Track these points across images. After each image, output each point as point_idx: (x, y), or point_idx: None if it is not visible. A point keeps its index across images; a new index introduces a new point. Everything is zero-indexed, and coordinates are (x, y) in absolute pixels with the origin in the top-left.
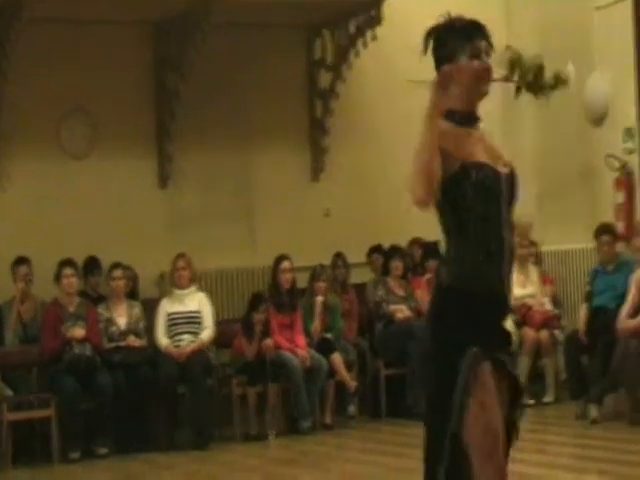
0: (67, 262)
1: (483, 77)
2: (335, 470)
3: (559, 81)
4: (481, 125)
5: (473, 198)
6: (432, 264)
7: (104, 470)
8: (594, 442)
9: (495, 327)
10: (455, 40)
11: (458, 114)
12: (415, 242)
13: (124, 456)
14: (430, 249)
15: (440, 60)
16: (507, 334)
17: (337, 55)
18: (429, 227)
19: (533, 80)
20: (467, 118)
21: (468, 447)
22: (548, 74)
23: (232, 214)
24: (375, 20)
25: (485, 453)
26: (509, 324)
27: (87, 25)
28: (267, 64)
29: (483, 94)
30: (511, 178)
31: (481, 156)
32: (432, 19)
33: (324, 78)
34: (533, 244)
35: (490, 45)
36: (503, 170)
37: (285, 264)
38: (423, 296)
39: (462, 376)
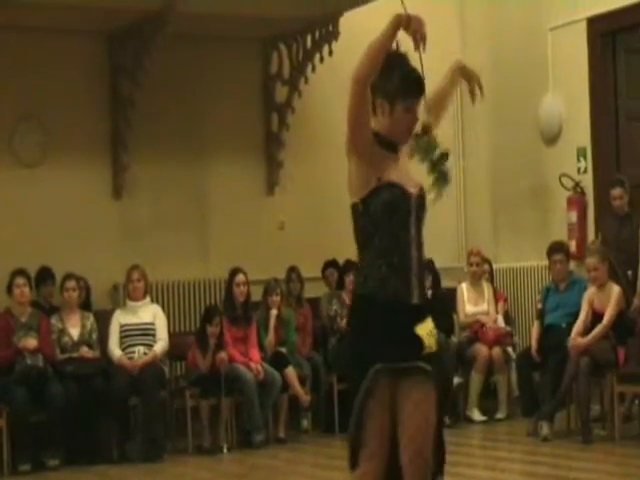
0: (19, 272)
1: (409, 131)
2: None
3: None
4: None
5: (381, 215)
6: None
7: None
8: (545, 459)
9: (403, 335)
10: (401, 87)
11: (382, 139)
12: None
13: (75, 468)
14: None
15: (381, 88)
16: (419, 340)
17: (293, 69)
18: None
19: (433, 165)
20: (389, 145)
21: None
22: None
23: (186, 226)
24: (332, 35)
25: None
26: (425, 328)
27: (42, 33)
28: (223, 76)
29: (405, 141)
30: (421, 199)
31: (394, 176)
32: None
33: (280, 92)
34: (486, 261)
35: (423, 100)
36: (413, 191)
37: (239, 277)
38: None
39: (360, 397)
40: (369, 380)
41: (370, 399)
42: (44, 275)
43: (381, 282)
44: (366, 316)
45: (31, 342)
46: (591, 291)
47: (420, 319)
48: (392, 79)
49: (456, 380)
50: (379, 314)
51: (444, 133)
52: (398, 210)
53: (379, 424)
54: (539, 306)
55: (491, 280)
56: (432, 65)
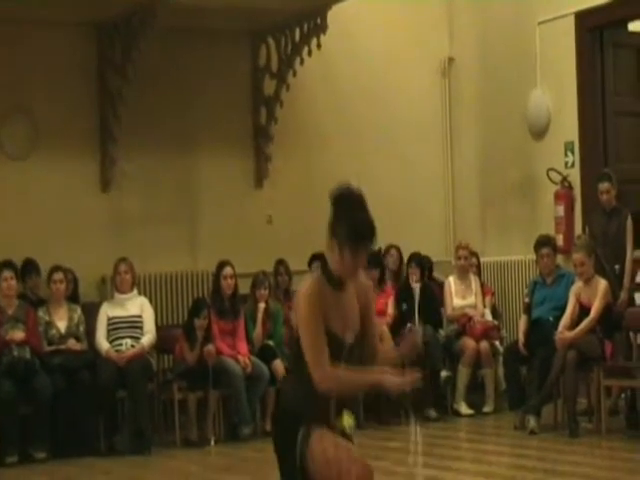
0: (6, 264)
1: (356, 271)
2: (274, 477)
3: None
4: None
5: None
6: (373, 273)
7: (42, 474)
8: (532, 452)
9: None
10: (350, 235)
11: (330, 275)
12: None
13: (63, 461)
14: (371, 257)
15: (333, 229)
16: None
17: (282, 62)
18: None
19: None
20: (336, 282)
21: None
22: None
23: (174, 218)
24: (320, 28)
25: None
26: (342, 422)
27: (30, 25)
28: (212, 70)
29: (351, 279)
30: (355, 344)
31: (336, 323)
32: (376, 29)
33: (268, 85)
34: (474, 255)
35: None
36: (349, 337)
37: (227, 270)
38: None
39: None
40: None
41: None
42: (29, 267)
43: (304, 404)
44: (289, 429)
45: (18, 334)
46: (578, 285)
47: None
48: (343, 225)
49: (444, 374)
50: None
51: (434, 126)
52: (331, 352)
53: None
54: (526, 300)
55: (478, 274)
56: (420, 60)
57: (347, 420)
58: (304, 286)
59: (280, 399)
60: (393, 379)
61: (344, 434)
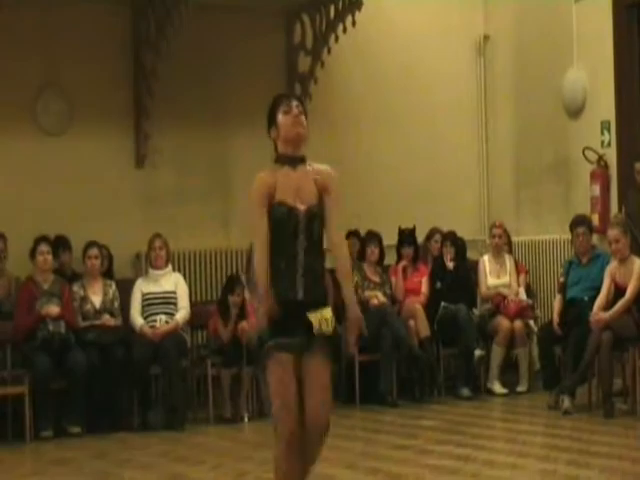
0: (43, 239)
1: (293, 124)
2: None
3: None
4: (307, 166)
5: (274, 229)
6: (407, 251)
7: (76, 449)
8: (565, 432)
9: (291, 321)
10: (273, 103)
11: (282, 157)
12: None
13: (97, 435)
14: (406, 235)
15: (269, 124)
16: (308, 323)
17: (316, 40)
18: (407, 214)
19: None
20: (289, 160)
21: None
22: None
23: (208, 195)
24: (355, 5)
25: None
26: (315, 316)
27: (64, 3)
28: (246, 47)
29: (299, 135)
30: (309, 213)
31: (287, 195)
32: (411, 7)
33: (303, 62)
34: (506, 233)
35: (300, 102)
36: (301, 207)
37: None
38: (398, 283)
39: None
40: (263, 355)
41: (267, 367)
42: (60, 243)
43: (272, 281)
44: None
45: (53, 309)
46: (613, 265)
47: (310, 309)
48: (270, 110)
49: (477, 353)
50: (277, 308)
51: (469, 105)
52: (285, 224)
53: (279, 378)
54: (561, 279)
55: (510, 252)
56: (455, 37)
57: (316, 317)
58: (257, 175)
59: None
60: (260, 318)
61: (317, 332)
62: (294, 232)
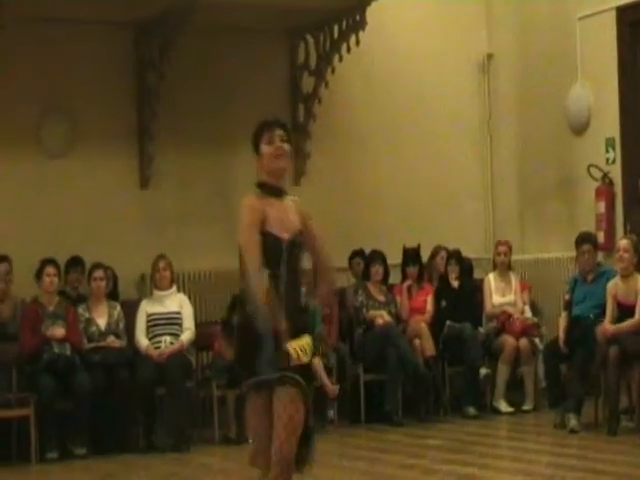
0: (49, 261)
1: (276, 156)
2: (313, 474)
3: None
4: (289, 198)
5: (264, 256)
6: (412, 270)
7: (81, 470)
8: (572, 451)
9: (271, 353)
10: (257, 131)
11: (266, 186)
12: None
13: (102, 457)
14: (410, 255)
15: (256, 150)
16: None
17: (320, 59)
18: (412, 232)
19: None
20: (272, 190)
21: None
22: None
23: (212, 216)
24: (359, 25)
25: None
26: (295, 344)
27: (68, 24)
28: (250, 67)
29: (281, 169)
30: (293, 243)
31: (273, 225)
32: (414, 25)
33: (307, 83)
34: (511, 251)
35: (284, 130)
36: (285, 237)
37: None
38: (403, 302)
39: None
40: (244, 393)
41: (247, 406)
42: (74, 262)
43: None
44: (244, 340)
45: (59, 331)
46: (614, 282)
47: (291, 339)
48: (255, 137)
49: (483, 371)
50: (253, 338)
51: (473, 123)
52: (271, 253)
53: (254, 425)
54: (567, 297)
55: (513, 269)
56: (459, 56)
57: (298, 344)
58: (245, 200)
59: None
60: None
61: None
62: (277, 261)
